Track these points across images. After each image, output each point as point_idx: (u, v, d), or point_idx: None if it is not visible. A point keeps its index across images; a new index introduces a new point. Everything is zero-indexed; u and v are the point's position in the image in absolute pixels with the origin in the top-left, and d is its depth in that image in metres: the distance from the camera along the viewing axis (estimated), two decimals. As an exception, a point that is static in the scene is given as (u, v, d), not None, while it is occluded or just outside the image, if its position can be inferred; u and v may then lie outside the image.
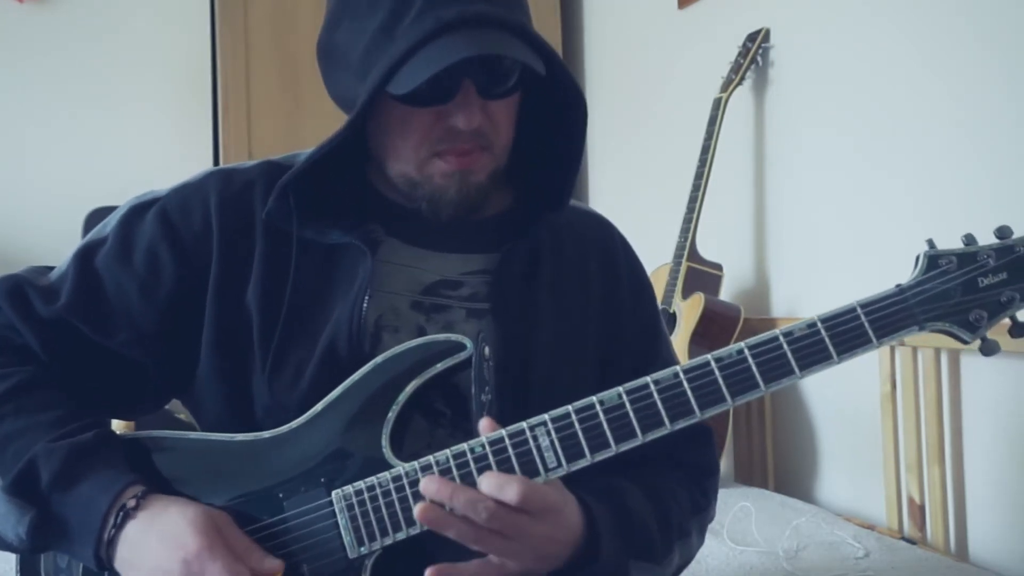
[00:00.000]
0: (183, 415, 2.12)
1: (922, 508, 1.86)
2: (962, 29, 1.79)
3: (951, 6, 1.82)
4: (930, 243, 0.93)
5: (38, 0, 3.01)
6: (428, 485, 0.87)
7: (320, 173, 1.01)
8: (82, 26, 3.06)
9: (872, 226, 2.02)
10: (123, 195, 1.15)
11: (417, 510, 0.87)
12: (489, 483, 0.87)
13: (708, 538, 1.75)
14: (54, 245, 2.73)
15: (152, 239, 1.03)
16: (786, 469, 2.31)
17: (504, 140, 1.03)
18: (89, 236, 1.07)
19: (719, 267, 2.36)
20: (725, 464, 2.40)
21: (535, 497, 0.87)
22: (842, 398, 2.13)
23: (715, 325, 2.25)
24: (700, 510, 1.11)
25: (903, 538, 1.83)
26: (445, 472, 0.90)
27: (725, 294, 2.38)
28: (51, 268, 1.08)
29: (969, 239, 0.93)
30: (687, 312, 2.28)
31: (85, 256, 1.05)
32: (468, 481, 0.89)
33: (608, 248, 1.15)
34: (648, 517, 1.02)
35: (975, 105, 1.76)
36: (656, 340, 1.16)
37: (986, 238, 0.97)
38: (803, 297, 2.26)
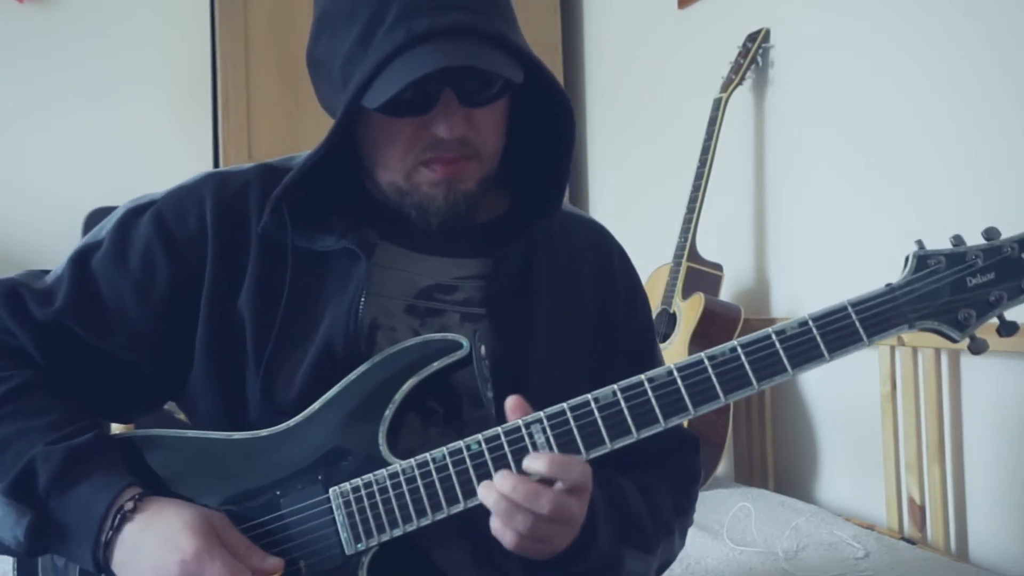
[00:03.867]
0: (182, 415, 2.11)
1: (922, 508, 1.85)
2: (962, 30, 1.79)
3: (951, 7, 1.82)
4: (919, 243, 0.94)
5: (38, 0, 3.01)
6: (486, 494, 0.87)
7: (313, 181, 1.01)
8: (82, 26, 3.06)
9: (872, 226, 2.02)
10: (123, 195, 1.15)
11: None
12: (546, 467, 0.87)
13: (708, 538, 1.76)
14: (54, 245, 2.74)
15: (147, 242, 1.03)
16: (786, 469, 2.31)
17: (492, 147, 1.02)
18: (85, 239, 1.07)
19: (719, 267, 2.36)
20: (725, 464, 2.39)
21: (584, 479, 0.88)
22: (842, 398, 2.13)
23: (715, 325, 2.24)
24: (683, 512, 1.12)
25: (903, 538, 1.83)
26: (441, 469, 0.90)
27: (725, 294, 2.37)
28: (47, 272, 1.08)
29: (958, 240, 0.94)
30: (687, 312, 2.27)
31: (81, 259, 1.05)
32: (464, 478, 0.90)
33: (603, 254, 1.15)
34: (641, 508, 1.03)
35: (974, 105, 1.76)
36: (650, 347, 1.17)
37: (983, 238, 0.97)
38: (803, 297, 2.26)
